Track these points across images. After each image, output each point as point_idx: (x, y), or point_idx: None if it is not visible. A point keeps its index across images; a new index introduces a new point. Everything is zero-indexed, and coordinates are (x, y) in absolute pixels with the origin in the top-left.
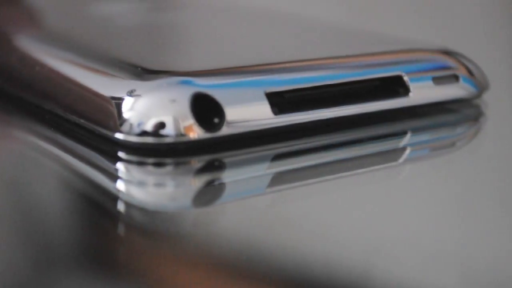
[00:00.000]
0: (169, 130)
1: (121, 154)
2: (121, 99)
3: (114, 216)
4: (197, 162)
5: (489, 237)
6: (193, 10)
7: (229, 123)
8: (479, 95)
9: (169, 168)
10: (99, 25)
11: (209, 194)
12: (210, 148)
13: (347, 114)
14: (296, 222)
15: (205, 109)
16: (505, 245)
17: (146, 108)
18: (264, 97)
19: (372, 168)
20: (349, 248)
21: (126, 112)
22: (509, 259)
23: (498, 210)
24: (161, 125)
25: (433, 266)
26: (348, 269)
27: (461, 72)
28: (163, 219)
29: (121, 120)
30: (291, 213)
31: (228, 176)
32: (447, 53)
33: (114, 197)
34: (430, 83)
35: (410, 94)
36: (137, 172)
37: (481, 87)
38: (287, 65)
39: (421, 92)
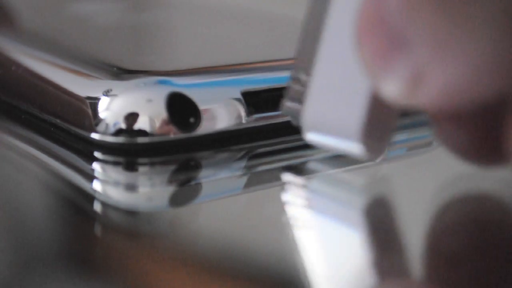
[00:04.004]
0: (145, 129)
1: (97, 154)
2: (97, 99)
3: (90, 216)
4: (173, 162)
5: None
6: (169, 10)
7: (205, 122)
8: None
9: (145, 168)
10: (75, 24)
11: (185, 194)
12: (186, 147)
13: None
14: (273, 222)
15: (181, 108)
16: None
17: (121, 108)
18: (240, 97)
19: (348, 167)
20: (326, 247)
21: (102, 112)
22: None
23: (475, 209)
24: (137, 124)
25: (412, 264)
26: (325, 267)
27: None
28: (139, 219)
29: (97, 120)
30: (268, 213)
31: (204, 176)
32: None
33: (90, 197)
34: None
35: None
36: (113, 172)
37: None
38: (263, 64)
39: None
